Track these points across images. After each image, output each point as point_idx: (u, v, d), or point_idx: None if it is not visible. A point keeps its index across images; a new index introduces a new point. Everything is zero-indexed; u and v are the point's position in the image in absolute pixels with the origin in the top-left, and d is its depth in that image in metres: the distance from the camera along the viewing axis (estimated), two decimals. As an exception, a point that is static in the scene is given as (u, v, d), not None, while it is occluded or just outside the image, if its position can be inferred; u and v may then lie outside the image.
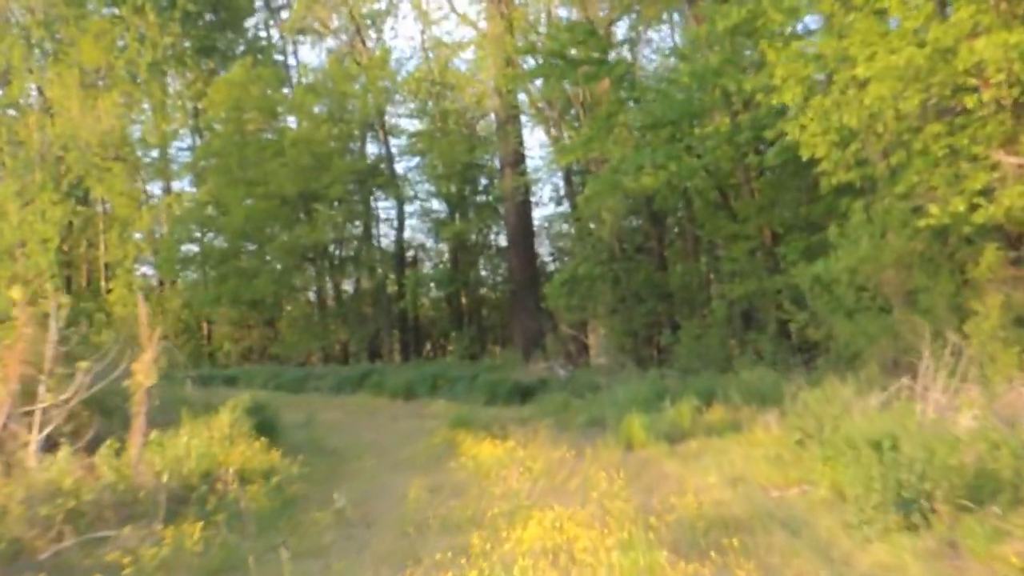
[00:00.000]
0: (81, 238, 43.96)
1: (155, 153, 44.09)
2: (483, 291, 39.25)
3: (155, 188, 45.09)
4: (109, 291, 41.97)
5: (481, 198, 37.30)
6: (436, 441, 11.13)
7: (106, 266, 43.03)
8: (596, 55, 22.53)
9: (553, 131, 32.08)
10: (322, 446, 12.16)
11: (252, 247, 36.98)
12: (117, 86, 40.43)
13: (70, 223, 41.71)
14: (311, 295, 39.67)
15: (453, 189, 35.97)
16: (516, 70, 26.67)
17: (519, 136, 31.76)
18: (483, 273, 39.35)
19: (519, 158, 31.88)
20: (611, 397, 13.51)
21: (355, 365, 31.50)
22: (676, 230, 28.93)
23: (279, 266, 35.66)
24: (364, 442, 12.44)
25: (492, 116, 35.25)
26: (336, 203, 34.04)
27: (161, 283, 43.01)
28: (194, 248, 39.02)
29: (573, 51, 23.12)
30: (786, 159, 18.33)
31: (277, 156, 34.16)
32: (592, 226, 27.38)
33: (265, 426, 11.67)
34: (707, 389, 12.91)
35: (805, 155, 14.48)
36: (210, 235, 39.32)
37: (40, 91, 42.28)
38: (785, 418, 9.56)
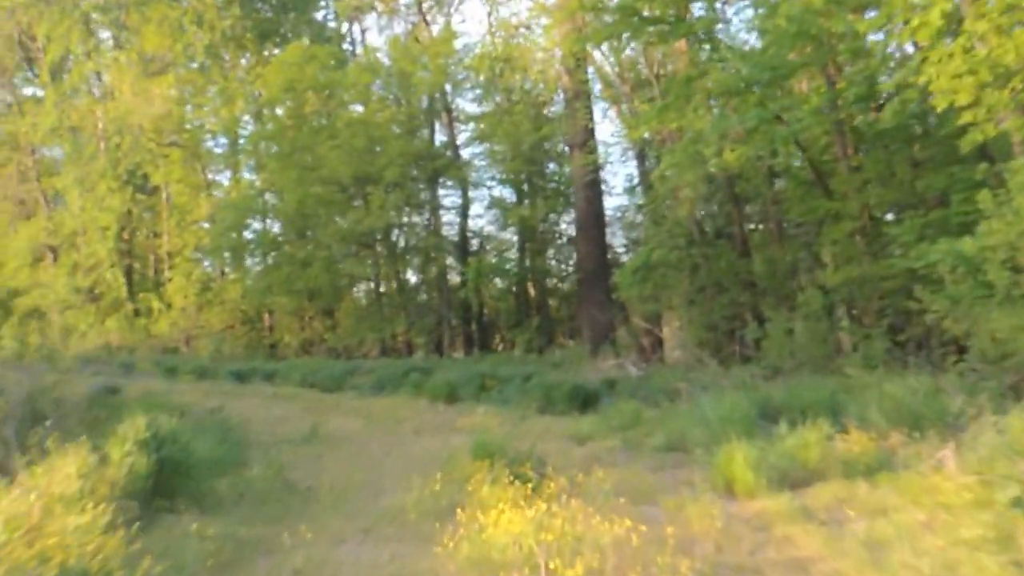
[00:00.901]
0: (141, 226, 42.10)
1: (219, 141, 41.97)
2: (551, 283, 36.18)
3: (224, 178, 42.78)
4: (169, 281, 40.01)
5: (551, 186, 34.29)
6: (438, 488, 7.67)
7: (167, 255, 40.96)
8: (672, 12, 19.26)
9: (625, 107, 28.87)
10: (282, 487, 8.57)
11: (307, 234, 34.38)
12: (173, 70, 38.14)
13: (129, 211, 40.18)
14: (370, 285, 36.82)
15: (519, 174, 32.92)
16: (585, 33, 23.43)
17: (588, 113, 28.62)
18: (551, 264, 36.32)
19: (588, 137, 28.78)
20: (696, 411, 10.17)
21: (406, 360, 28.68)
22: (759, 212, 25.43)
23: (334, 254, 32.91)
24: (349, 480, 8.87)
25: (560, 96, 32.55)
26: (393, 187, 31.01)
27: (223, 273, 40.80)
28: (248, 236, 36.30)
29: (646, 12, 19.86)
30: (900, 122, 14.98)
31: (332, 139, 31.42)
32: (667, 207, 24.06)
33: (172, 467, 7.85)
34: (824, 402, 9.38)
35: (941, 105, 11.13)
36: (267, 222, 37.01)
37: (99, 77, 40.42)
38: (967, 454, 6.19)
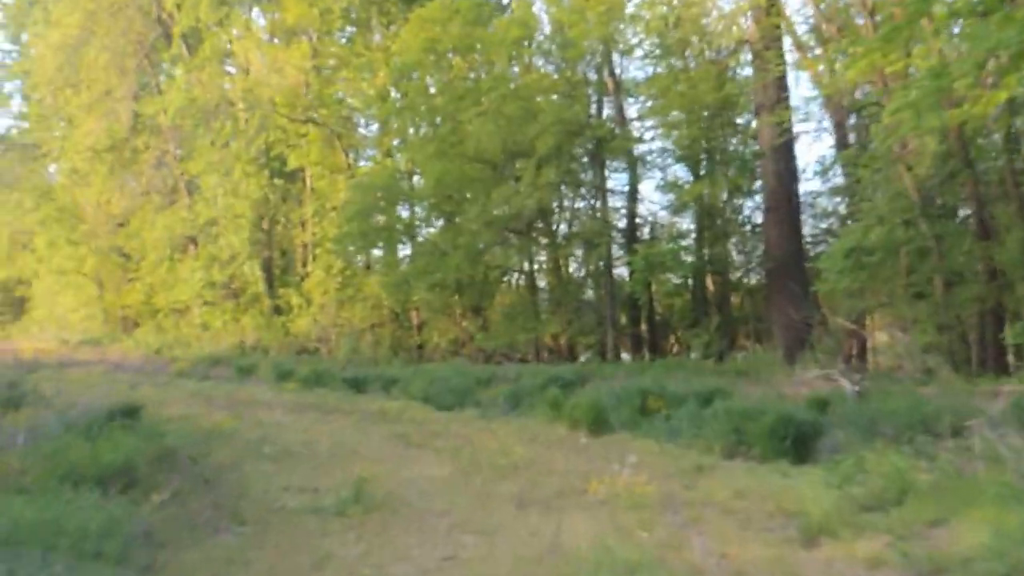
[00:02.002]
0: (280, 215, 40.44)
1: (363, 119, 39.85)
2: (734, 276, 32.00)
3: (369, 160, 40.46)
4: (308, 274, 38.30)
5: (734, 163, 30.21)
6: None
7: (307, 246, 39.25)
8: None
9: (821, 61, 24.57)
10: None
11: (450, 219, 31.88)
12: (308, 38, 36.00)
13: (266, 197, 38.51)
14: (523, 278, 33.99)
15: (695, 144, 29.04)
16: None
17: (781, 65, 24.49)
18: (734, 254, 32.19)
19: (781, 94, 24.69)
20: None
21: (557, 366, 25.28)
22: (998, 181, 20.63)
23: (479, 241, 30.01)
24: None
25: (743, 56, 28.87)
26: (547, 161, 27.62)
27: (368, 267, 38.43)
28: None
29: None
30: None
31: (477, 106, 28.45)
32: (883, 175, 19.65)
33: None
34: None
35: None
36: (414, 209, 34.49)
37: (231, 49, 38.83)
38: None
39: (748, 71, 28.92)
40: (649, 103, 31.33)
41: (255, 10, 40.09)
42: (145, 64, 42.99)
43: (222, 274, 39.37)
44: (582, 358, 30.47)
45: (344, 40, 39.30)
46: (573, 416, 13.85)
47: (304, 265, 39.36)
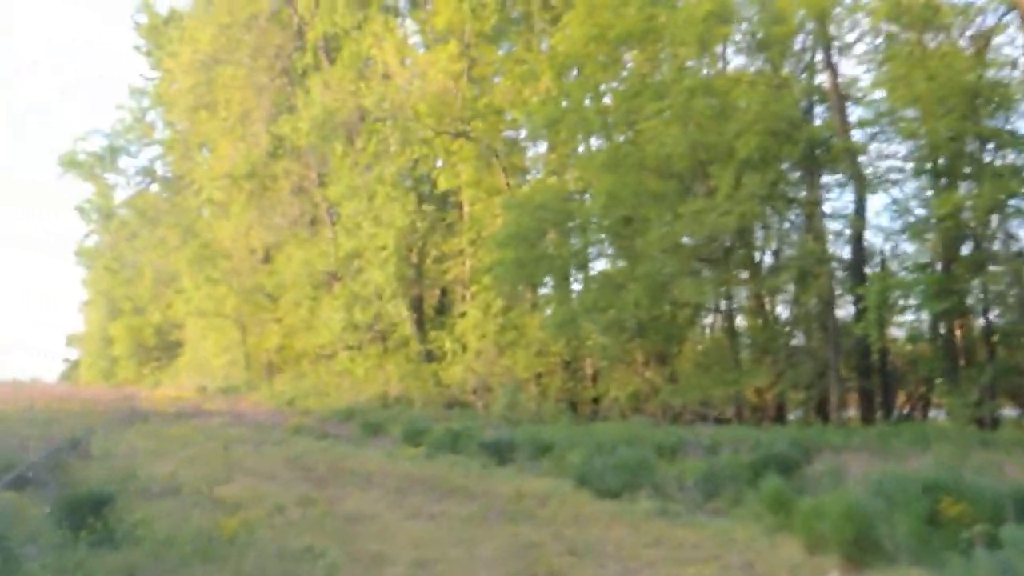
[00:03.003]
0: (429, 246, 37.74)
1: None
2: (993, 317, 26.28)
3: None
4: (462, 315, 35.43)
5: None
6: None
7: (459, 283, 36.68)
8: None
9: None
10: None
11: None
12: (457, 39, 32.70)
13: (413, 225, 36.11)
14: (719, 318, 30.05)
15: (940, 141, 23.66)
16: None
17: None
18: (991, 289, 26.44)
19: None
20: None
21: (766, 428, 21.87)
22: None
23: (662, 271, 25.93)
24: None
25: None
26: (748, 168, 23.21)
27: (534, 305, 34.54)
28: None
29: None
30: None
31: (657, 102, 24.48)
32: None
33: None
34: None
35: None
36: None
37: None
38: None
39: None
40: (877, 96, 26.06)
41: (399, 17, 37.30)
42: (281, 83, 41.33)
43: (365, 314, 37.12)
44: (790, 416, 26.99)
45: (502, 47, 35.94)
46: (813, 529, 8.95)
47: (458, 303, 36.72)
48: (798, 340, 28.95)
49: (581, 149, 30.47)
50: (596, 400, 31.67)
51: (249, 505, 11.72)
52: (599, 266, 30.69)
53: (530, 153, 36.27)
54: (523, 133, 35.73)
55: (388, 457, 19.06)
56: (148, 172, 56.85)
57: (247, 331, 45.79)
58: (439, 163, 34.88)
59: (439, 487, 14.48)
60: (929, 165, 25.58)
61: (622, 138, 26.94)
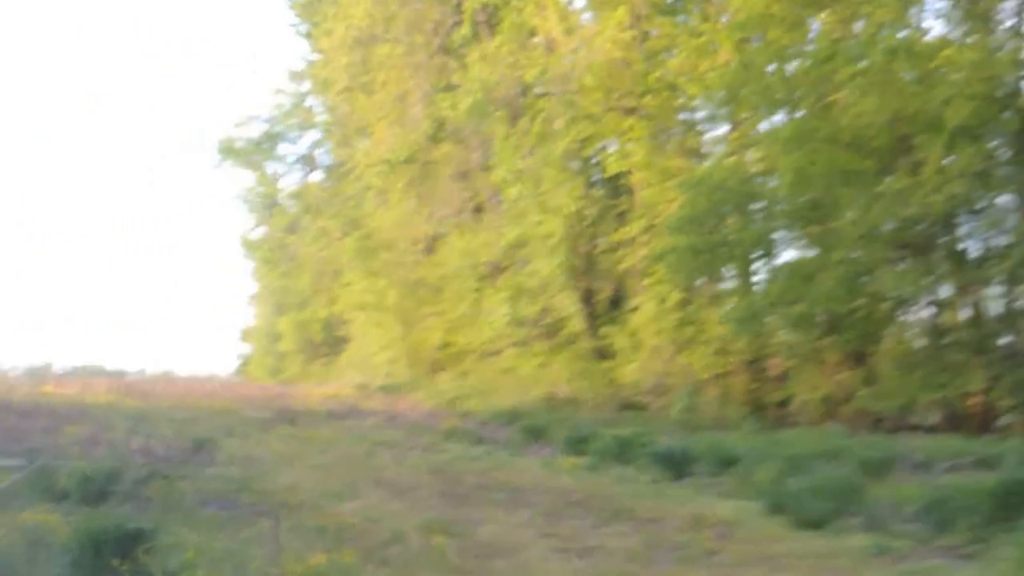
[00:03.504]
0: (600, 234, 36.78)
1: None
2: None
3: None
4: (635, 309, 34.35)
5: None
6: None
7: (632, 273, 35.11)
8: None
9: None
10: None
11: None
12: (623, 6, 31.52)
13: (581, 212, 35.28)
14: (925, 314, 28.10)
15: None
16: None
17: None
18: None
19: None
20: None
21: (994, 440, 19.49)
22: None
23: (858, 259, 24.81)
24: None
25: None
26: (957, 141, 21.39)
27: (715, 298, 33.27)
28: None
29: None
30: None
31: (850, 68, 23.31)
32: None
33: None
34: None
35: None
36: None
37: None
38: None
39: None
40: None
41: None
42: (440, 61, 40.97)
43: (531, 308, 36.49)
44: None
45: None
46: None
47: (632, 298, 35.31)
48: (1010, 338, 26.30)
49: (764, 125, 28.88)
50: (783, 404, 30.11)
51: (363, 531, 10.72)
52: (785, 255, 29.16)
53: (707, 135, 34.56)
54: (699, 114, 34.39)
55: (545, 468, 18.52)
56: (308, 160, 57.69)
57: (409, 327, 45.70)
58: (608, 145, 33.85)
59: (600, 509, 13.49)
60: None
61: (809, 111, 25.33)
